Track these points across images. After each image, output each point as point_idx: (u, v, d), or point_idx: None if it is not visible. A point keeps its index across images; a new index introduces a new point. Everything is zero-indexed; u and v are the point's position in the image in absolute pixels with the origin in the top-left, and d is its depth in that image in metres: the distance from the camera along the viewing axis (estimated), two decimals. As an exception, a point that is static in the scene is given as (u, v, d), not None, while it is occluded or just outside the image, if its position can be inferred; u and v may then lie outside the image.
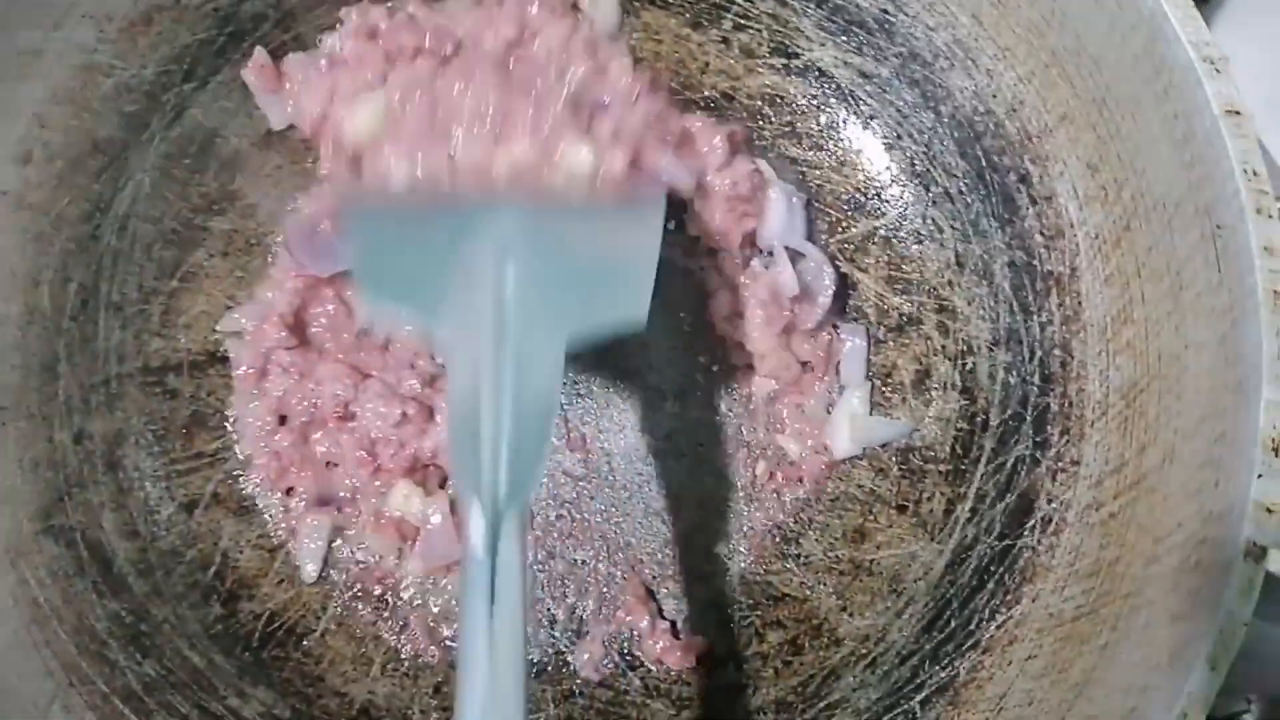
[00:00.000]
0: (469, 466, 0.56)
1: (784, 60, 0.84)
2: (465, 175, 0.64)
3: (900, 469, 0.79)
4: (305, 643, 0.76)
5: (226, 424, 0.79)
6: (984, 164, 0.79)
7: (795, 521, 0.80)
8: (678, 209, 0.81)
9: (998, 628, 0.72)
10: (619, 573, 0.78)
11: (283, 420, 0.79)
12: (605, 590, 0.78)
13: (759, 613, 0.78)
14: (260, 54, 0.80)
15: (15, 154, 0.74)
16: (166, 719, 0.71)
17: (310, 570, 0.77)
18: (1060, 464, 0.74)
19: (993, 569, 0.74)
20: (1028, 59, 0.75)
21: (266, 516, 0.78)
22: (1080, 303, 0.75)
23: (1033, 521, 0.74)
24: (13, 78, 0.73)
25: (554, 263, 0.62)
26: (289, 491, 0.79)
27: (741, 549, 0.79)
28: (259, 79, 0.80)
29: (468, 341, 0.60)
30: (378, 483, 0.79)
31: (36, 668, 0.69)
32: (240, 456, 0.79)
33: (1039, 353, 0.77)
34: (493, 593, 0.53)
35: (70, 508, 0.74)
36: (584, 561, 0.79)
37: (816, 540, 0.79)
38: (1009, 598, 0.73)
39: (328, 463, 0.79)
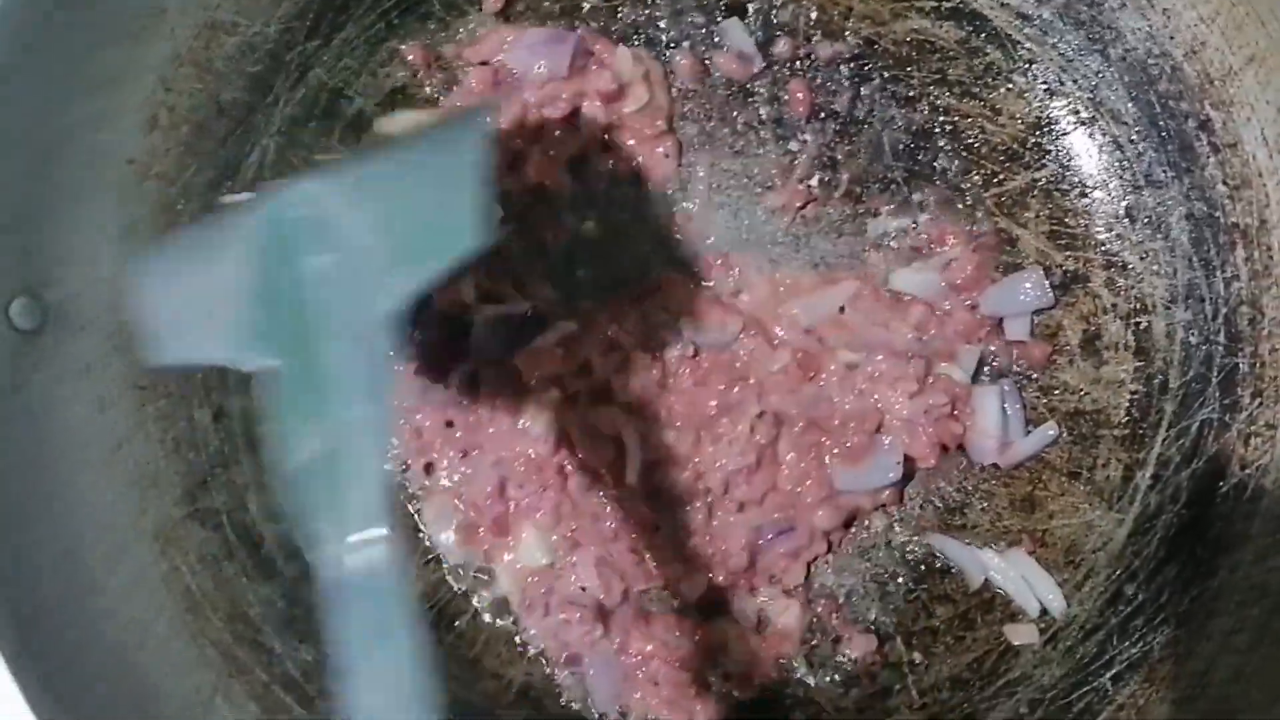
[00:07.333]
0: (299, 498, 0.50)
1: (934, 2, 0.79)
2: None
3: (1070, 434, 0.75)
4: (457, 624, 0.74)
5: (363, 399, 0.76)
6: (1158, 110, 0.75)
7: (958, 490, 0.76)
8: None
9: (1192, 601, 0.69)
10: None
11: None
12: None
13: (925, 587, 0.75)
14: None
15: (140, 120, 0.70)
16: (329, 707, 0.68)
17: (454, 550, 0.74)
18: (1253, 428, 0.70)
19: (1181, 539, 0.71)
20: (1212, -3, 0.71)
21: (408, 493, 0.75)
22: (1272, 256, 0.71)
23: (1225, 489, 0.70)
24: (136, 38, 0.69)
25: (350, 237, 0.53)
26: (428, 468, 0.76)
27: (900, 520, 0.76)
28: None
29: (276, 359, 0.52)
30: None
31: (195, 658, 0.67)
32: (380, 432, 0.75)
33: (1224, 310, 0.72)
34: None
35: (215, 489, 0.71)
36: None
37: (982, 510, 0.76)
38: (1202, 569, 0.69)
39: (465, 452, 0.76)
